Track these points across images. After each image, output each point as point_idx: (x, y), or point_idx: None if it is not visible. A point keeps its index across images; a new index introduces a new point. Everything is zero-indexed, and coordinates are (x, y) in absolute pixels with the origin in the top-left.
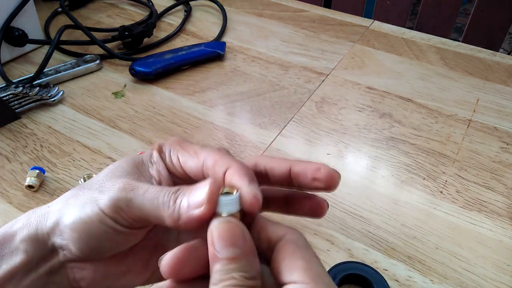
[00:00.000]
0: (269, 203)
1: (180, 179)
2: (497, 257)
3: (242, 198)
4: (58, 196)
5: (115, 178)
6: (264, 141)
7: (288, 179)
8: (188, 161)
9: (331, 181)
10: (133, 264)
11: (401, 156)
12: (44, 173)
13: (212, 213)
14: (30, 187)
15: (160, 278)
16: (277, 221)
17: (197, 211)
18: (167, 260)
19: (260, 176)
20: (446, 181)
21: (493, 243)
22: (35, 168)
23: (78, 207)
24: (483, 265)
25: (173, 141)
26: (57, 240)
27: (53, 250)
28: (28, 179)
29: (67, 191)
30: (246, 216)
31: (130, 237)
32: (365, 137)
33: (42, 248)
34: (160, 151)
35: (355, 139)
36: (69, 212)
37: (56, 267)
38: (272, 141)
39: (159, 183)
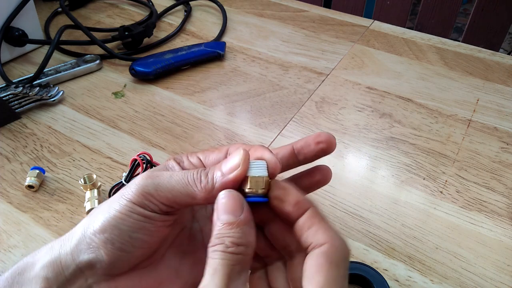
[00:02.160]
0: None
1: None
2: (497, 257)
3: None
4: (58, 196)
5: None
6: (264, 141)
7: (293, 158)
8: (210, 156)
9: (331, 142)
10: (165, 273)
11: (401, 156)
12: (44, 173)
13: (245, 176)
14: (30, 187)
15: (191, 287)
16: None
17: (232, 174)
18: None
19: None
20: (446, 181)
21: (493, 243)
22: (35, 168)
23: (104, 210)
24: (483, 265)
25: (187, 152)
26: (84, 256)
27: (78, 273)
28: (28, 179)
29: (67, 191)
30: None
31: (160, 226)
32: (365, 137)
33: (64, 273)
34: (175, 160)
35: (355, 139)
36: (96, 218)
37: None
38: (272, 141)
39: None
